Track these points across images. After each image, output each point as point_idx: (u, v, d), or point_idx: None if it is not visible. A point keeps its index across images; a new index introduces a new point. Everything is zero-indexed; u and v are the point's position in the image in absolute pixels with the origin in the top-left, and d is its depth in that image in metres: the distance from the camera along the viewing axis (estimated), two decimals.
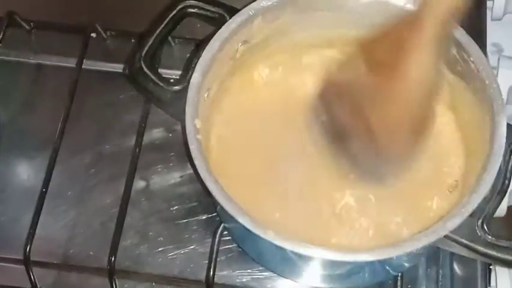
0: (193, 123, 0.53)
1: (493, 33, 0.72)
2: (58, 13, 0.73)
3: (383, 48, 0.52)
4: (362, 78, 0.52)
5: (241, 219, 0.50)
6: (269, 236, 0.49)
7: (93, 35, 0.71)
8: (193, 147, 0.52)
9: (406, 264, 0.60)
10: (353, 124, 0.53)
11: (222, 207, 0.50)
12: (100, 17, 0.71)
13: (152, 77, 0.57)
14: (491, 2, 0.73)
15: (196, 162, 0.51)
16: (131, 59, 0.58)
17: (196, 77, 0.55)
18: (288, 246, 0.49)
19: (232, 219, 0.50)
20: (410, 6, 0.57)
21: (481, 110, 0.55)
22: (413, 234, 0.51)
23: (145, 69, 0.57)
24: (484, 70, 0.54)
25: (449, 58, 0.57)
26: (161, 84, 0.57)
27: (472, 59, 0.55)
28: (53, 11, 0.74)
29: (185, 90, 0.55)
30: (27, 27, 0.72)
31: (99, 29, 0.71)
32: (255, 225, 0.49)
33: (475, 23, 0.70)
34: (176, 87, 0.56)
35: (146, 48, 0.58)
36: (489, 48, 0.71)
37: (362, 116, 0.52)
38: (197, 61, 0.56)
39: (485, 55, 0.56)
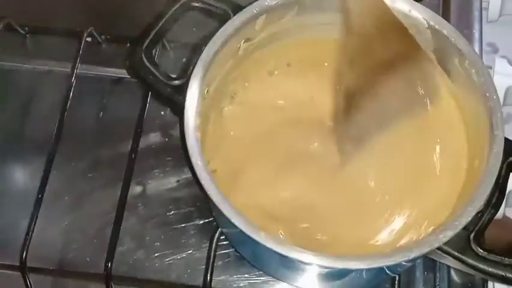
0: (192, 119, 0.53)
1: (489, 33, 0.72)
2: (53, 18, 0.73)
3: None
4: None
5: (235, 220, 0.49)
6: (261, 237, 0.48)
7: (88, 39, 0.70)
8: (190, 144, 0.52)
9: (404, 265, 0.59)
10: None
11: (215, 206, 0.50)
12: (96, 22, 0.71)
13: (153, 70, 0.57)
14: (487, 3, 0.73)
15: (193, 159, 0.51)
16: (132, 50, 0.57)
17: (197, 72, 0.54)
18: (280, 249, 0.48)
19: (228, 222, 0.50)
20: (415, 13, 0.56)
21: (479, 122, 0.54)
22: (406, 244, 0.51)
23: (146, 62, 0.57)
24: (486, 83, 0.54)
25: (451, 68, 0.57)
26: (161, 78, 0.56)
27: (474, 70, 0.54)
28: (48, 16, 0.73)
29: (184, 85, 0.54)
30: (22, 32, 0.72)
31: (94, 33, 0.70)
32: (247, 226, 0.49)
33: (469, 25, 0.70)
34: (176, 82, 0.56)
35: (147, 41, 0.57)
36: (484, 48, 0.71)
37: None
38: (198, 57, 0.55)
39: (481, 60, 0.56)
